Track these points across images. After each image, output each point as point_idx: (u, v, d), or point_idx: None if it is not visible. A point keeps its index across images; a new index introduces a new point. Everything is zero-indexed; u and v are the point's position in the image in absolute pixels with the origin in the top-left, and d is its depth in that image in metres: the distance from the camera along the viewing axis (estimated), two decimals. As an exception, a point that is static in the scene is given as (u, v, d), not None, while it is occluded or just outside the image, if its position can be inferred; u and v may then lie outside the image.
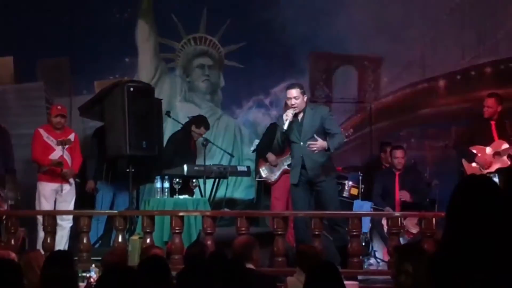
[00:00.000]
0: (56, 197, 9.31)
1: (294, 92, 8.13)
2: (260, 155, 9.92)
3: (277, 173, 9.64)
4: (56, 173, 9.26)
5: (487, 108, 9.09)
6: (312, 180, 8.12)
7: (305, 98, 8.22)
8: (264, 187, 10.06)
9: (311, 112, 8.18)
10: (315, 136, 8.06)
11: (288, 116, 8.02)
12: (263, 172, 9.73)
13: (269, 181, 9.70)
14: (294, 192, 8.28)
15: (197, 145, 10.23)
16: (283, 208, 9.40)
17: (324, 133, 8.14)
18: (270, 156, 9.65)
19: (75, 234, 8.80)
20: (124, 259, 6.55)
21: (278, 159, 9.65)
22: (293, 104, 8.08)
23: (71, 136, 9.47)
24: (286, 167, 9.56)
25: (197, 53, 11.78)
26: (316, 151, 8.01)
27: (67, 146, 9.34)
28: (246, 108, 11.66)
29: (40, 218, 8.82)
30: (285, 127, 8.00)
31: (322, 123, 8.11)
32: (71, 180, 9.41)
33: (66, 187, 9.33)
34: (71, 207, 9.36)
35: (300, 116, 8.17)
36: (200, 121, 10.24)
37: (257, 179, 10.12)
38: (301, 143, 8.11)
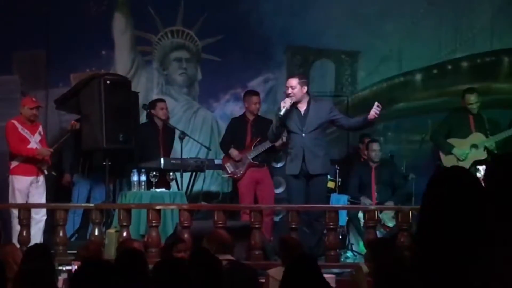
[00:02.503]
0: (29, 190, 9.25)
1: (292, 81, 8.27)
2: (223, 151, 9.92)
3: (242, 168, 9.63)
4: (32, 164, 9.19)
5: (474, 104, 9.11)
6: (309, 173, 8.17)
7: (304, 89, 8.30)
8: (232, 183, 10.08)
9: (315, 105, 8.31)
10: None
11: (286, 103, 8.12)
12: (229, 168, 9.72)
13: (235, 176, 9.69)
14: (292, 184, 8.32)
15: (167, 131, 10.12)
16: (251, 202, 9.42)
17: (325, 127, 8.36)
18: (233, 152, 9.65)
19: (50, 227, 8.76)
20: (99, 254, 6.53)
21: (241, 154, 9.63)
22: (289, 93, 8.19)
23: (40, 129, 9.45)
24: (250, 160, 9.57)
25: (174, 46, 11.73)
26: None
27: (40, 138, 9.33)
28: (223, 101, 11.64)
29: (15, 211, 8.77)
30: (282, 113, 8.08)
31: (328, 116, 8.24)
32: (45, 171, 9.35)
33: (41, 178, 9.29)
34: (43, 199, 9.30)
35: (303, 108, 8.26)
36: (151, 102, 10.20)
37: (222, 175, 10.14)
38: (303, 134, 8.19)
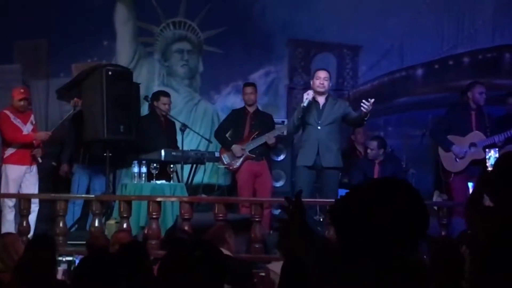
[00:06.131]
0: (22, 179, 9.22)
1: (326, 73, 8.45)
2: (218, 140, 9.90)
3: (240, 160, 9.62)
4: (26, 153, 9.17)
5: (482, 95, 9.07)
6: (322, 165, 8.27)
7: (330, 84, 8.55)
8: (231, 175, 10.07)
9: (333, 101, 8.46)
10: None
11: (309, 95, 8.25)
12: (225, 159, 9.71)
13: (231, 168, 9.69)
14: (303, 175, 8.38)
15: (169, 123, 10.13)
16: (249, 195, 9.42)
17: (340, 123, 8.47)
18: (236, 148, 9.59)
19: (50, 217, 8.75)
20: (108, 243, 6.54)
21: (241, 147, 9.60)
22: (322, 84, 8.36)
23: (32, 118, 9.44)
24: (248, 153, 9.57)
25: (176, 38, 11.73)
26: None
27: (32, 127, 9.33)
28: (224, 93, 11.64)
29: (7, 200, 8.77)
30: (305, 104, 8.20)
31: (343, 113, 8.38)
32: (39, 159, 9.32)
33: (34, 168, 9.28)
34: (36, 189, 9.28)
35: (322, 101, 8.39)
36: (156, 94, 10.15)
37: (218, 166, 10.13)
38: (319, 127, 8.30)
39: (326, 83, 8.41)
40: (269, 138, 9.42)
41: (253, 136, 9.59)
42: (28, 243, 5.43)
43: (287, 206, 3.03)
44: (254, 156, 9.54)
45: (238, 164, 9.59)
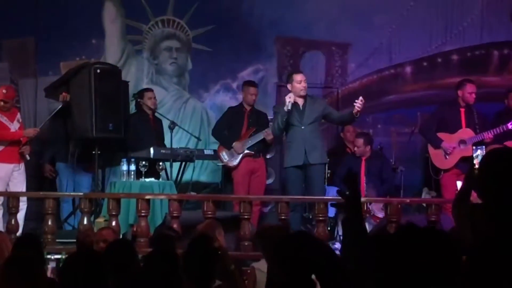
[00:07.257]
0: (10, 177, 9.18)
1: (303, 75, 8.70)
2: (219, 138, 9.91)
3: (238, 158, 9.63)
4: (14, 151, 9.12)
5: (472, 95, 9.09)
6: (309, 163, 8.45)
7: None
8: (226, 172, 10.06)
9: (311, 100, 8.68)
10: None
11: (291, 98, 8.42)
12: (223, 157, 9.72)
13: (230, 165, 9.70)
14: (293, 176, 8.54)
15: (157, 121, 10.13)
16: (245, 192, 9.44)
17: (321, 119, 8.78)
18: (237, 145, 9.63)
19: (38, 215, 8.73)
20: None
21: (242, 144, 9.61)
22: (304, 86, 8.59)
23: (19, 116, 9.39)
24: (246, 150, 9.58)
25: (164, 36, 11.72)
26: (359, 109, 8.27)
27: (19, 126, 9.29)
28: (213, 91, 11.64)
29: None
30: (290, 107, 8.39)
31: (323, 112, 8.64)
32: (27, 157, 9.28)
33: (22, 166, 9.24)
34: (24, 187, 9.24)
35: (301, 102, 8.58)
36: (140, 92, 10.15)
37: (218, 164, 10.14)
38: (303, 127, 8.52)
39: (306, 85, 8.63)
40: (267, 134, 9.44)
41: (250, 133, 9.61)
42: (14, 242, 5.42)
43: (348, 185, 3.28)
44: (253, 153, 9.58)
45: (237, 161, 9.61)
